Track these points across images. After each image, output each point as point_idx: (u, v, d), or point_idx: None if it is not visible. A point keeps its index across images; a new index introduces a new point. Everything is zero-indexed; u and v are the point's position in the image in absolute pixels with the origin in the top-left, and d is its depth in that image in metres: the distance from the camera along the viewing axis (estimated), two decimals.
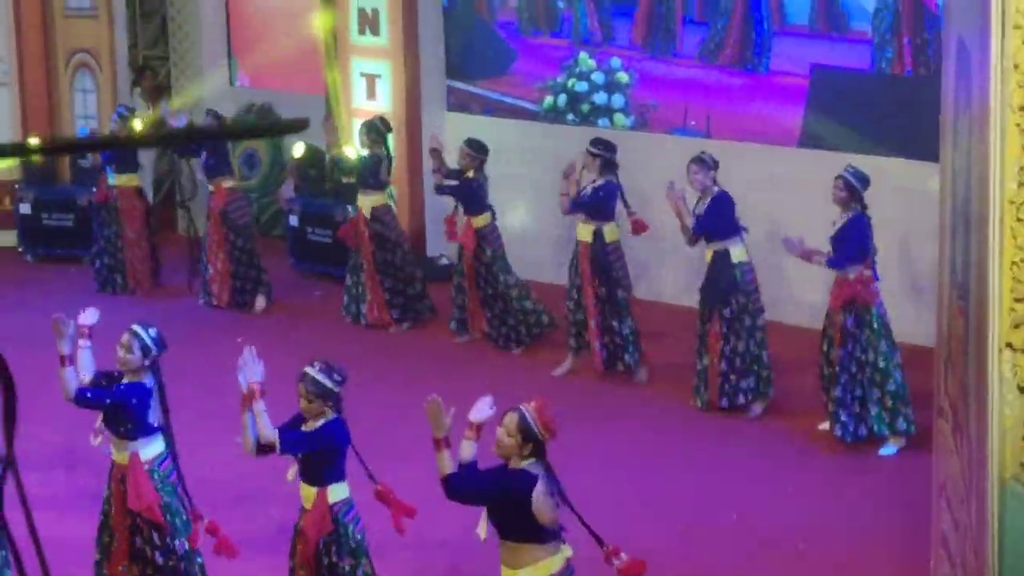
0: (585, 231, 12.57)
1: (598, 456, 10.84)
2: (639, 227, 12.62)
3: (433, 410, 7.31)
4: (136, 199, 15.27)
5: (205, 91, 16.88)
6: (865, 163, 12.39)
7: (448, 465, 7.25)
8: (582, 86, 15.26)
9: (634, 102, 14.98)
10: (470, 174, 13.27)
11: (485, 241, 13.31)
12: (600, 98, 15.17)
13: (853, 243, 11.08)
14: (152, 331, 8.51)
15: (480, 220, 13.29)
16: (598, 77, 15.17)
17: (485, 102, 15.83)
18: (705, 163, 11.75)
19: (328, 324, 14.11)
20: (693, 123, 14.54)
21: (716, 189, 11.76)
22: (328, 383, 7.95)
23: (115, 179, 15.05)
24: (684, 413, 11.96)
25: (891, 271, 11.45)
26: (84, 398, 8.42)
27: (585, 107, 15.24)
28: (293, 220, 15.69)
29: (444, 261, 15.29)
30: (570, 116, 15.31)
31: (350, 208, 14.40)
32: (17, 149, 2.73)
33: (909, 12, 13.25)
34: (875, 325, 11.12)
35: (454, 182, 13.33)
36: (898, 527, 9.81)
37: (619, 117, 15.05)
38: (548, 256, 14.76)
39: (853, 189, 11.15)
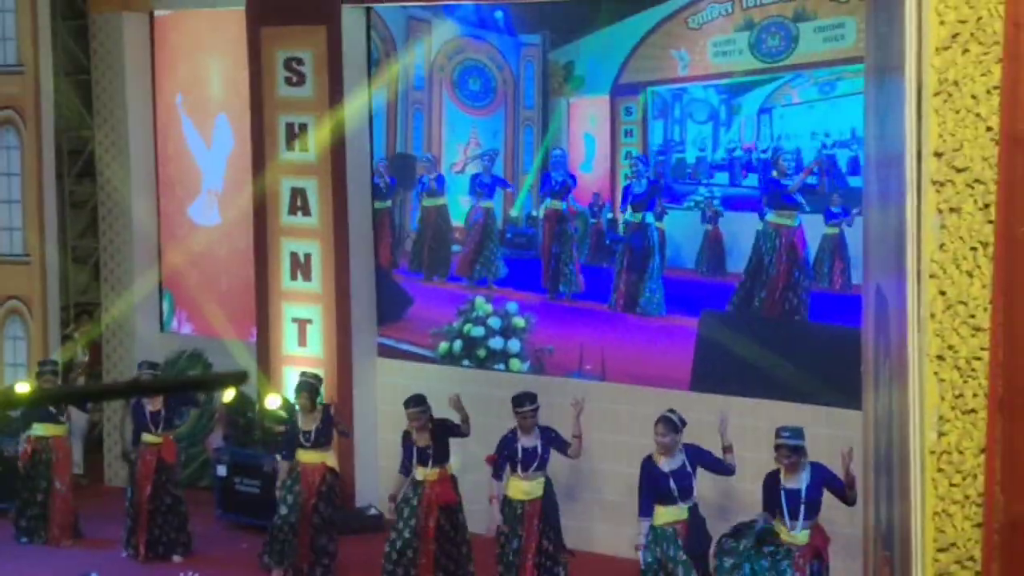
0: (535, 486, 12.59)
1: None
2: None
3: None
4: (67, 448, 15.30)
5: (136, 339, 17.01)
6: (756, 408, 12.77)
7: None
8: (478, 331, 15.50)
9: (530, 347, 15.23)
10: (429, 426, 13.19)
11: (457, 488, 13.26)
12: (496, 343, 15.40)
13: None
14: None
15: (451, 467, 13.28)
16: (494, 322, 15.42)
17: (382, 349, 15.97)
18: (673, 424, 11.83)
19: None
20: (588, 367, 14.78)
21: (682, 446, 11.85)
22: None
23: (43, 430, 15.05)
24: None
25: None
26: None
27: (481, 352, 15.44)
28: (221, 470, 15.59)
29: (373, 511, 15.18)
30: (465, 362, 15.49)
31: (278, 457, 14.39)
32: None
33: (784, 258, 13.79)
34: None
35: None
36: None
37: (515, 362, 15.28)
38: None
39: (799, 449, 11.27)
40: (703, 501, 12.11)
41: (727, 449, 11.74)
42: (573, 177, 15.05)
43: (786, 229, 13.87)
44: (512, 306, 15.35)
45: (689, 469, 11.77)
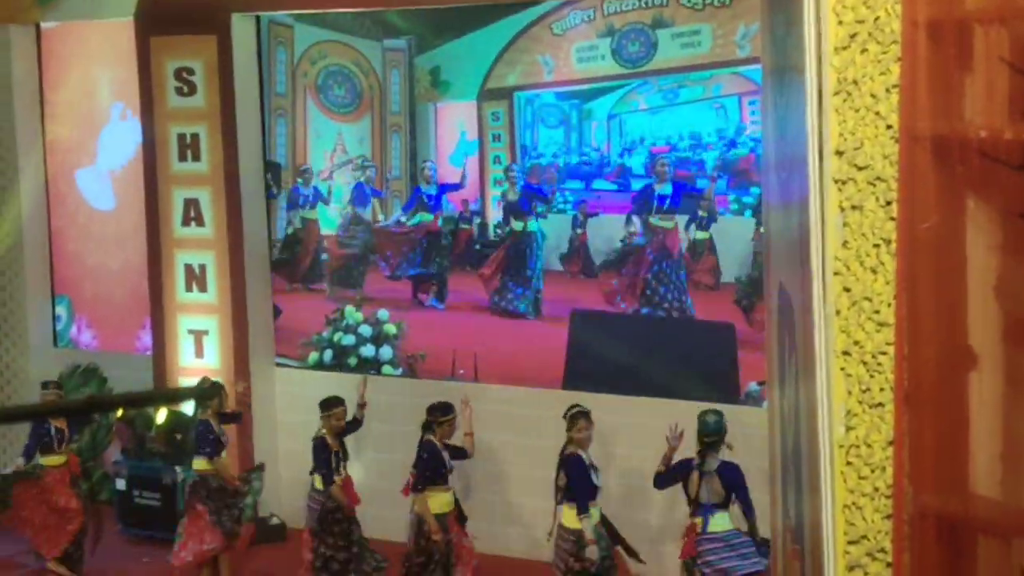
0: (451, 497, 12.22)
1: None
2: None
3: None
4: None
5: (30, 356, 16.35)
6: (625, 404, 12.66)
7: None
8: (348, 339, 15.03)
9: (402, 354, 14.82)
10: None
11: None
12: (367, 351, 14.93)
13: None
14: None
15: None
16: (365, 330, 14.99)
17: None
18: (590, 417, 11.42)
19: None
20: (462, 372, 14.40)
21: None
22: None
23: None
24: None
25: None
26: None
27: (352, 360, 14.99)
28: (120, 483, 15.02)
29: (275, 521, 14.67)
30: (337, 371, 14.99)
31: (178, 470, 13.87)
32: None
33: (663, 259, 13.67)
34: None
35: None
36: None
37: (387, 369, 14.86)
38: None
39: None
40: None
41: None
42: (443, 188, 14.73)
43: (664, 232, 13.74)
44: (383, 313, 14.94)
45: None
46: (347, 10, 14.91)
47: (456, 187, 14.63)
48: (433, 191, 14.73)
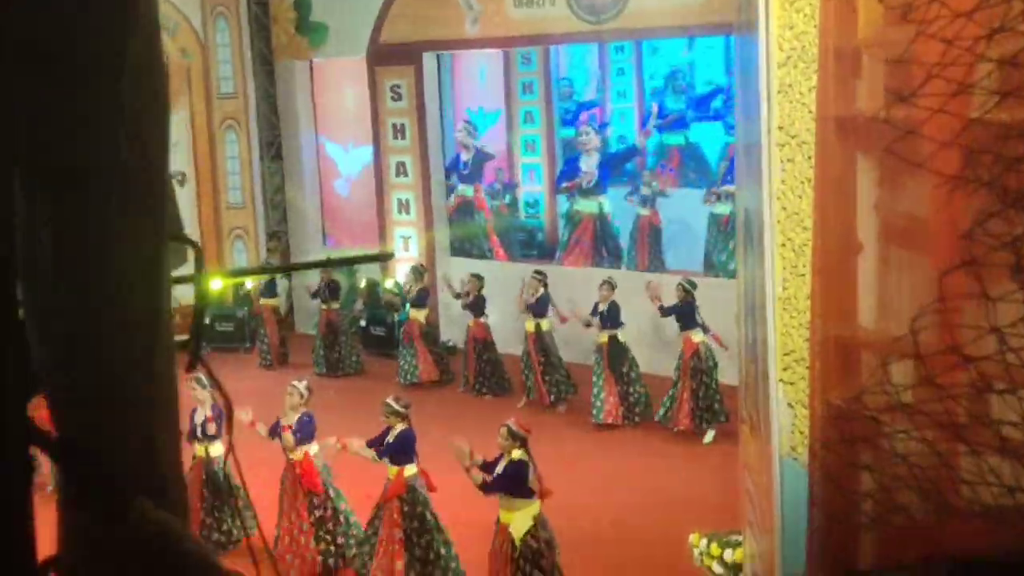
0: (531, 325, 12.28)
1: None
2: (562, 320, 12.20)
3: (457, 453, 7.23)
4: (277, 312, 15.18)
5: (303, 250, 16.77)
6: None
7: (479, 478, 7.23)
8: None
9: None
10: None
11: (488, 330, 12.94)
12: None
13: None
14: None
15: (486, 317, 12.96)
16: None
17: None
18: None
19: (385, 384, 13.73)
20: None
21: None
22: (396, 407, 7.99)
23: (264, 301, 14.99)
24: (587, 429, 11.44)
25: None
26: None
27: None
28: (362, 322, 15.30)
29: (450, 343, 14.73)
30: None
31: (396, 316, 14.24)
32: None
33: None
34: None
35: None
36: (723, 491, 9.61)
37: None
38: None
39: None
40: None
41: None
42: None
43: None
44: None
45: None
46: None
47: None
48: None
